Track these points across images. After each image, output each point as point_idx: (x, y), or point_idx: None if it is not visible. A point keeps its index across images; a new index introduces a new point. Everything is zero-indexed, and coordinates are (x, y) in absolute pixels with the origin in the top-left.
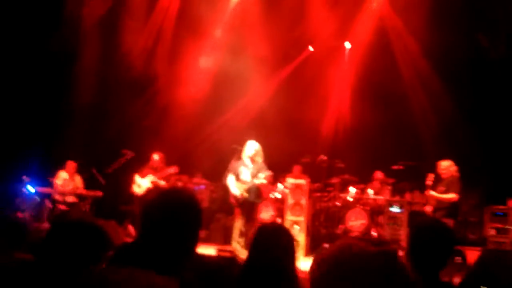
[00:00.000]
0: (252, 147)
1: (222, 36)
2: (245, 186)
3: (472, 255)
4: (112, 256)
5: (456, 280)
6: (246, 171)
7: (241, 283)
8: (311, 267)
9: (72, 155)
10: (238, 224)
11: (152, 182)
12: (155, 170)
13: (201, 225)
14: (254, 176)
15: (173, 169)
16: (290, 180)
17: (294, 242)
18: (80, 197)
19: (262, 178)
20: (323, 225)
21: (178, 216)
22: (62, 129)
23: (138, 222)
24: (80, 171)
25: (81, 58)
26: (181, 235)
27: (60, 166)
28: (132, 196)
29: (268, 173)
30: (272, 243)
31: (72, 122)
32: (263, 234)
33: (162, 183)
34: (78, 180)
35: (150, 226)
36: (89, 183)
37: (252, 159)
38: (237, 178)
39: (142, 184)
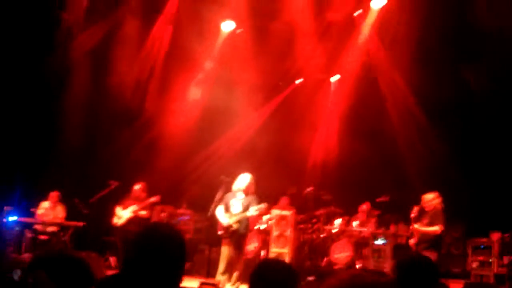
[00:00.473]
0: (245, 180)
1: (212, 67)
2: (237, 218)
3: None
4: None
5: None
6: (237, 203)
7: None
8: None
9: (57, 184)
10: (225, 256)
11: (133, 212)
12: (136, 200)
13: (185, 260)
14: (246, 208)
15: (154, 199)
16: (275, 212)
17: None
18: (61, 227)
19: (254, 211)
20: (307, 257)
21: (163, 251)
22: (48, 159)
23: (122, 255)
24: (64, 200)
25: (70, 88)
26: (165, 271)
27: (44, 196)
28: (113, 228)
29: (263, 205)
30: (275, 280)
31: (58, 152)
32: (266, 270)
33: (144, 213)
34: (60, 210)
35: (134, 261)
36: (72, 213)
37: (245, 192)
38: (227, 209)
39: (123, 215)
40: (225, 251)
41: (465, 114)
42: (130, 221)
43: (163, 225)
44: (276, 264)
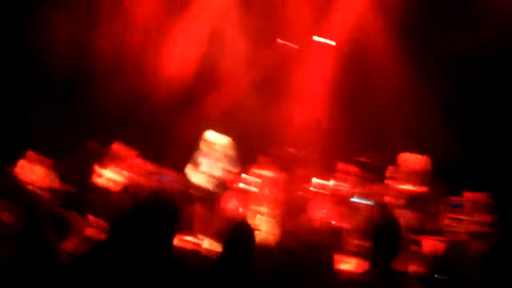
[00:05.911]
0: (211, 138)
1: (195, 28)
2: (205, 177)
3: (428, 244)
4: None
5: (412, 268)
6: (207, 162)
7: (212, 278)
8: None
9: (33, 144)
10: (199, 216)
11: (115, 173)
12: (116, 160)
13: (176, 225)
14: (214, 166)
15: (136, 158)
16: (255, 171)
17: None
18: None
19: (223, 171)
20: (286, 214)
21: (156, 219)
22: (24, 117)
23: (103, 215)
24: (41, 160)
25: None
26: (157, 235)
27: (20, 155)
28: (95, 187)
29: (231, 167)
30: (246, 241)
31: (35, 110)
32: (237, 234)
33: (125, 173)
34: (38, 170)
35: (128, 227)
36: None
37: (213, 149)
38: (196, 168)
39: (104, 174)
40: (199, 211)
41: (451, 73)
42: (111, 182)
43: (157, 193)
44: (243, 226)
